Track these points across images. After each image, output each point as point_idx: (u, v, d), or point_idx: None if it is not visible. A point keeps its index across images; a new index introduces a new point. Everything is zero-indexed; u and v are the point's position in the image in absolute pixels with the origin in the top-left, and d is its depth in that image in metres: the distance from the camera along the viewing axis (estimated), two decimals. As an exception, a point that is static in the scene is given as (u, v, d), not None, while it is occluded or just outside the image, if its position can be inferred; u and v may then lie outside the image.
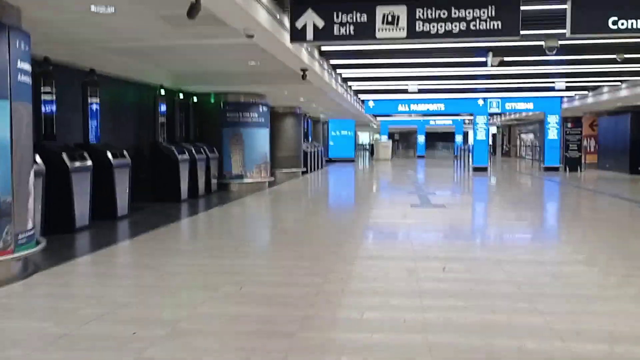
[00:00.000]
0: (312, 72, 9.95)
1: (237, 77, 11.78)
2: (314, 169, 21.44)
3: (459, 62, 11.59)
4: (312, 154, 21.24)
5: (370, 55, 11.03)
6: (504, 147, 40.53)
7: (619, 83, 15.23)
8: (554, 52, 8.83)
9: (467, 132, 46.20)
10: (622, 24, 5.84)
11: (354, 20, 6.20)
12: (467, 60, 11.35)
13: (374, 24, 6.20)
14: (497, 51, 10.11)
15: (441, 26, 6.11)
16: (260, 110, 13.93)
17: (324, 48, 10.01)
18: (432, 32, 6.12)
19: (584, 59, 11.20)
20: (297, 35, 6.32)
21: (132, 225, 7.97)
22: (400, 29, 6.16)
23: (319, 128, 26.36)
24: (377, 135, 41.20)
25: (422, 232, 7.56)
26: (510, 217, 9.20)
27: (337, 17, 6.23)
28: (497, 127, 40.45)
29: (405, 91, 18.19)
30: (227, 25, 5.95)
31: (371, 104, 21.70)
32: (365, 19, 6.20)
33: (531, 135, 33.75)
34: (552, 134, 20.92)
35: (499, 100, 21.03)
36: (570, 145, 20.80)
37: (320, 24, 6.27)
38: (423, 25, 6.13)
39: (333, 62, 11.64)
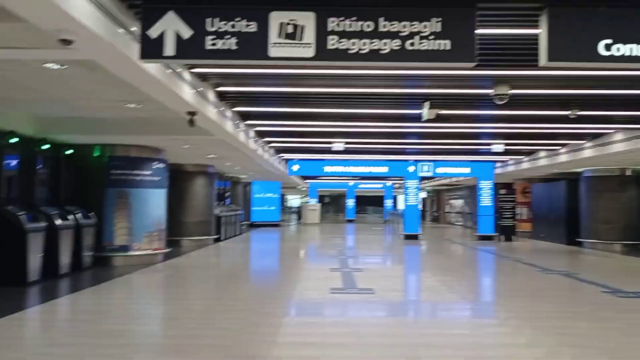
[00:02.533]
0: (207, 119, 7.81)
1: (120, 126, 9.50)
2: (230, 236, 18.96)
3: (390, 114, 9.82)
4: (228, 218, 18.83)
5: (285, 103, 9.08)
6: (433, 213, 39.62)
7: (558, 147, 14.07)
8: (505, 102, 7.17)
9: (397, 197, 45.32)
10: (618, 50, 4.10)
11: (238, 30, 4.15)
12: (400, 112, 9.61)
13: (266, 37, 4.17)
14: (435, 101, 8.41)
15: (364, 44, 4.16)
16: (155, 167, 11.54)
17: (222, 89, 7.93)
18: (351, 51, 4.15)
19: (529, 115, 9.73)
20: (151, 49, 4.18)
21: None
22: (304, 46, 4.16)
23: (239, 190, 24.06)
24: (307, 198, 39.31)
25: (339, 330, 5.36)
26: (442, 307, 7.19)
27: (212, 24, 4.16)
28: (427, 192, 39.65)
29: (330, 151, 16.40)
30: (23, 20, 3.73)
31: (295, 167, 19.76)
32: (255, 29, 4.17)
33: (461, 201, 32.93)
34: (486, 200, 19.66)
35: (431, 163, 19.69)
36: (504, 212, 19.56)
37: (187, 33, 4.17)
38: (339, 42, 4.16)
39: (239, 109, 9.58)
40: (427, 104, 8.30)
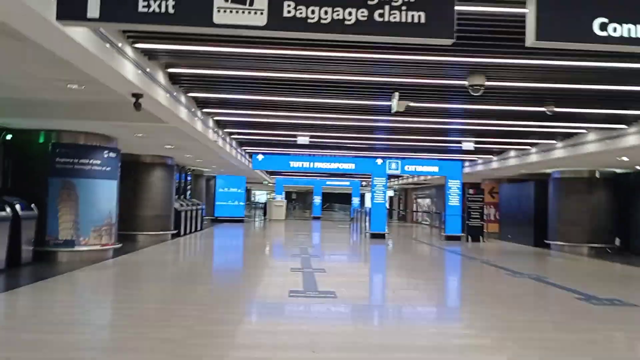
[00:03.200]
0: (156, 103, 7.09)
1: (63, 109, 8.67)
2: (190, 231, 18.16)
3: (358, 105, 9.27)
4: (189, 213, 18.02)
5: (246, 90, 8.41)
6: (400, 211, 39.38)
7: (529, 147, 13.75)
8: (479, 93, 6.67)
9: (364, 195, 44.95)
10: (615, 30, 3.59)
11: (176, -10, 3.49)
12: (368, 103, 9.06)
13: (211, 0, 3.52)
14: (405, 92, 7.87)
15: (326, 12, 3.55)
16: (105, 156, 10.71)
17: (172, 70, 7.20)
18: (310, 20, 3.54)
19: (502, 110, 9.29)
20: (70, 9, 3.48)
21: None
22: (256, 12, 3.53)
23: (202, 184, 23.21)
24: (273, 194, 38.51)
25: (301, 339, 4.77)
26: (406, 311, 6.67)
27: (146, -18, 3.49)
28: (394, 191, 39.39)
29: (296, 145, 15.78)
30: None
31: (260, 157, 19.04)
32: (197, -10, 3.51)
33: (428, 200, 32.72)
34: (454, 200, 19.33)
35: (399, 161, 19.26)
36: (472, 213, 19.27)
37: (114, -8, 3.49)
38: (296, 9, 3.54)
39: (195, 95, 8.86)
40: (396, 95, 7.75)
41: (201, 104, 9.46)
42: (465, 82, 6.79)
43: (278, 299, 7.16)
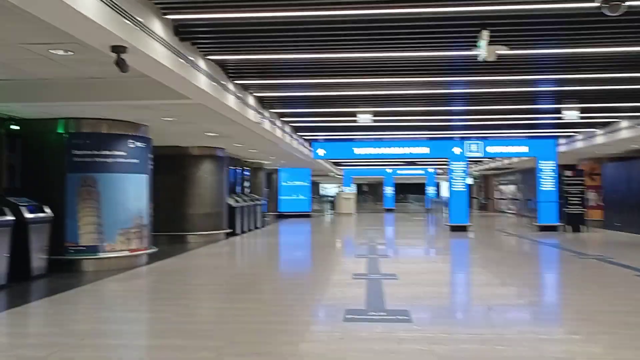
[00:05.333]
0: (151, 63, 5.28)
1: (75, 91, 7.16)
2: (248, 229, 16.55)
3: (430, 59, 7.05)
4: (245, 209, 16.41)
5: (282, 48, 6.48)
6: (482, 200, 36.29)
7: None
8: (618, 12, 4.36)
9: (440, 184, 42.13)
10: None
11: None
12: (442, 54, 6.83)
13: None
14: (496, 31, 5.63)
15: None
16: (130, 146, 9.14)
17: (177, 16, 5.33)
18: None
19: (625, 53, 6.81)
20: None
21: None
22: None
23: (261, 177, 21.64)
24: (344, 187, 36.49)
25: None
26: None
27: None
28: (473, 178, 36.30)
29: (358, 128, 13.74)
30: None
31: (321, 152, 17.10)
32: None
33: (512, 187, 29.64)
34: (547, 184, 16.57)
35: (480, 142, 16.73)
36: (571, 198, 16.43)
37: None
38: None
39: (213, 58, 6.98)
40: (485, 35, 5.53)
41: (227, 69, 7.57)
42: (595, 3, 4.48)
43: (327, 324, 5.20)
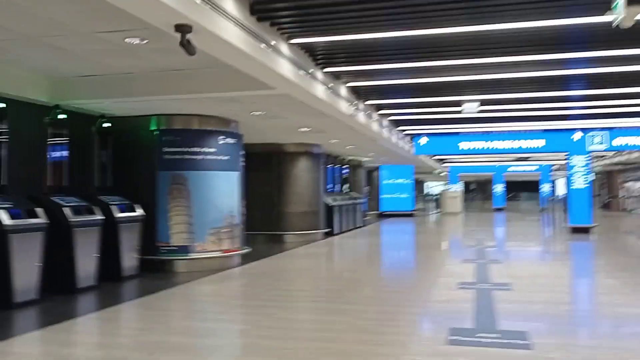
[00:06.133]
0: (225, 46, 4.74)
1: (148, 83, 6.92)
2: (347, 229, 15.95)
3: (543, 30, 5.92)
4: (344, 208, 15.83)
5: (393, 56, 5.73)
6: (605, 198, 33.02)
7: None
8: None
9: (556, 181, 39.05)
10: None
11: None
12: (558, 24, 5.70)
13: None
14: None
15: None
16: (221, 142, 8.82)
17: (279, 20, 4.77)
18: None
19: None
20: None
21: None
22: None
23: (360, 175, 20.96)
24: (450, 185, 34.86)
25: None
26: None
27: None
28: (595, 174, 33.12)
29: (463, 120, 12.62)
30: None
31: (423, 140, 16.01)
32: None
33: (641, 184, 26.57)
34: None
35: (605, 133, 14.85)
36: None
37: None
38: None
39: (296, 41, 6.35)
40: (623, -7, 4.40)
41: (316, 56, 6.93)
42: None
43: (427, 346, 4.38)
